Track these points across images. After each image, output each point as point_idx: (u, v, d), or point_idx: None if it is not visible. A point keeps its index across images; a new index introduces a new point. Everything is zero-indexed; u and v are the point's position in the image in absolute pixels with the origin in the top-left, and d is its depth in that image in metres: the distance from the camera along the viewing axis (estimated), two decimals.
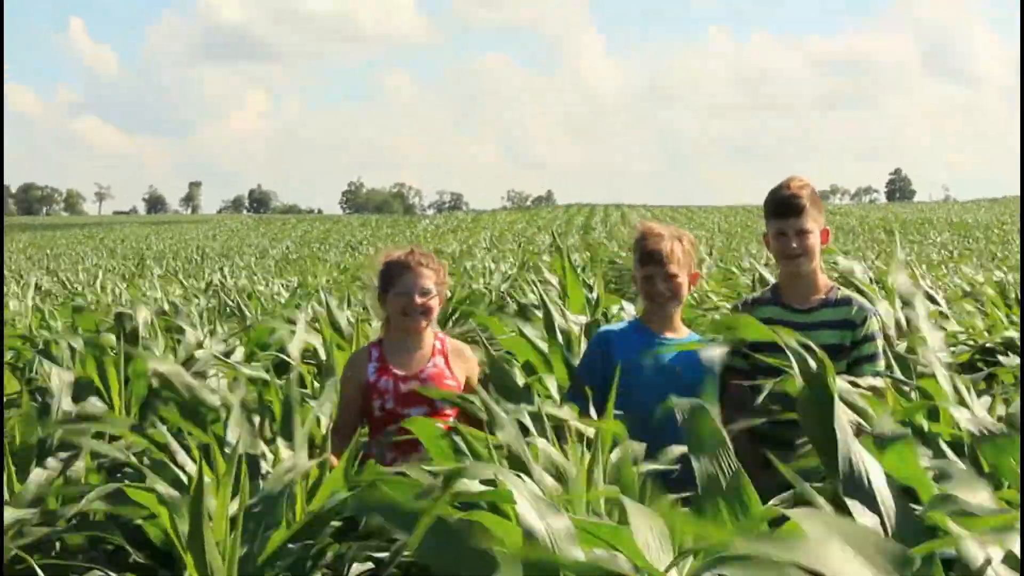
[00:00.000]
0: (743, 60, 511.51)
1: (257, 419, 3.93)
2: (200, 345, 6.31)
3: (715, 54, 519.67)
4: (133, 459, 3.54)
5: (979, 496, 1.98)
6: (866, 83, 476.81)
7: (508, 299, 8.65)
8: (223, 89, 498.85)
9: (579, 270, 9.88)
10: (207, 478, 2.86)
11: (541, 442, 2.77)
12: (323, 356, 5.59)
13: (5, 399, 5.17)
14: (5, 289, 15.58)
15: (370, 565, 2.83)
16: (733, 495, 1.88)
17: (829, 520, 1.69)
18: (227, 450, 3.40)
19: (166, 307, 9.65)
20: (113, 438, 4.67)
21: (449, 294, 9.09)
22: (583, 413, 3.25)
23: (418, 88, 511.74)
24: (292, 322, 7.42)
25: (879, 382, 3.31)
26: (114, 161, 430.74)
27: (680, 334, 4.24)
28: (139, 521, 3.21)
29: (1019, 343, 4.96)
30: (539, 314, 6.88)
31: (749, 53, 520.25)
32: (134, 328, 5.96)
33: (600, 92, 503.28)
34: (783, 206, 4.11)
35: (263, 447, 3.67)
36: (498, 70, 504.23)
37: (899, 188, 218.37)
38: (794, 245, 4.08)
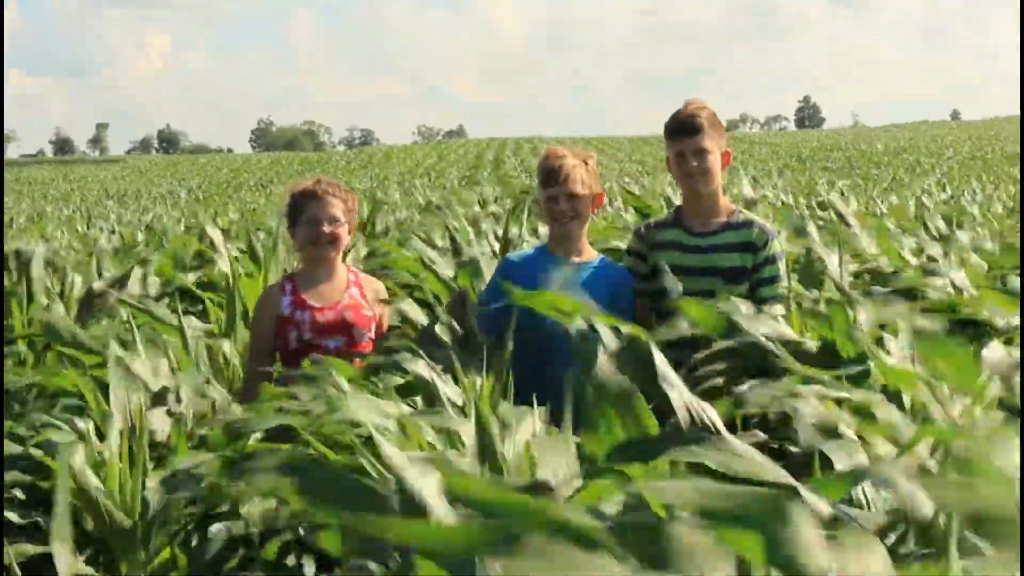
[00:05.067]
0: None
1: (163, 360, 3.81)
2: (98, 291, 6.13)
3: None
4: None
5: None
6: (773, 14, 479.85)
7: (417, 232, 8.60)
8: (127, 31, 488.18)
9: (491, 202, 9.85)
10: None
11: (442, 384, 2.70)
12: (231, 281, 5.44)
13: None
14: None
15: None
16: (623, 405, 1.82)
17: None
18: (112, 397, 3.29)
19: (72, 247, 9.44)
20: None
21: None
22: (486, 336, 3.25)
23: (323, 27, 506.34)
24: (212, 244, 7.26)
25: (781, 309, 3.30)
26: (19, 103, 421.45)
27: (587, 257, 4.19)
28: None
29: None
30: (447, 245, 6.86)
31: None
32: (28, 271, 5.75)
33: (505, 27, 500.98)
34: (681, 126, 4.11)
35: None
36: (402, 8, 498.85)
37: (808, 116, 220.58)
38: (693, 164, 4.08)
